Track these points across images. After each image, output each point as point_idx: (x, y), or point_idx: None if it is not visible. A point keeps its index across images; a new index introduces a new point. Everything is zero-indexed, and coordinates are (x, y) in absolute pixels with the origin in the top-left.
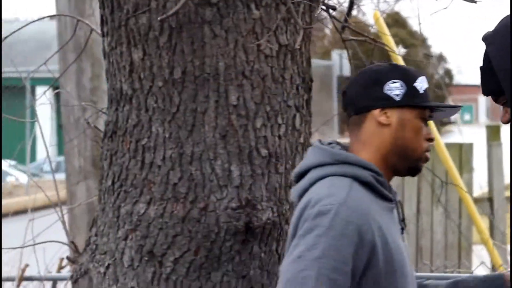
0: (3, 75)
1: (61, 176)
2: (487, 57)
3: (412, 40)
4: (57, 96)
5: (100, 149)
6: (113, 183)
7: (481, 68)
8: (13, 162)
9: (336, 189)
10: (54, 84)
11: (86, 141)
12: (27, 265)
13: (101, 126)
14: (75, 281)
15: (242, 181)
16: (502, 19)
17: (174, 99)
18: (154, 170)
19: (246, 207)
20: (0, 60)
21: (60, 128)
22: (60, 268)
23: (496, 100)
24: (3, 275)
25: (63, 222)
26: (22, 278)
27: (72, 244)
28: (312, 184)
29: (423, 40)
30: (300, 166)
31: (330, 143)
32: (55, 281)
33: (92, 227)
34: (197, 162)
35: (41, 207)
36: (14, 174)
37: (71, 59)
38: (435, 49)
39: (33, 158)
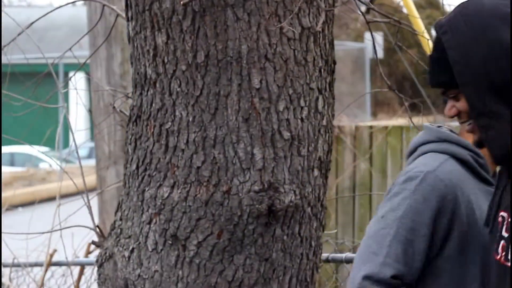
0: (35, 61)
1: (93, 162)
2: (440, 46)
3: None
4: (89, 81)
5: (126, 134)
6: (137, 167)
7: (432, 57)
8: (45, 149)
9: (431, 161)
10: (83, 69)
11: (115, 126)
12: (55, 250)
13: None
14: (100, 265)
15: (264, 164)
16: (457, 6)
17: (197, 83)
18: (178, 154)
19: (268, 190)
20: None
21: (90, 113)
22: (88, 253)
23: (444, 92)
24: (31, 260)
25: (89, 207)
26: (50, 263)
27: (98, 229)
28: (415, 159)
29: None
30: (410, 145)
31: (439, 126)
32: (82, 266)
33: (117, 211)
34: (220, 146)
35: (72, 193)
36: (48, 160)
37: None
38: None
39: (66, 144)
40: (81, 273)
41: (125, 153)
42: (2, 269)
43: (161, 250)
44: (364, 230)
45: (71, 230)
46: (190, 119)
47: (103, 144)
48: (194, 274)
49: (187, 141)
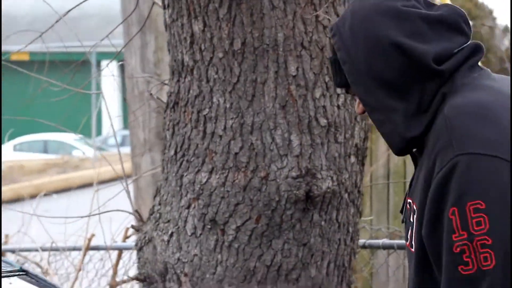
0: (68, 50)
1: (126, 149)
2: (333, 48)
3: (477, 11)
4: (122, 69)
5: (163, 120)
6: (175, 153)
7: (329, 59)
8: (79, 136)
9: None
10: (118, 58)
11: (150, 113)
12: (93, 235)
13: (164, 98)
14: (139, 249)
15: (302, 150)
16: (349, 5)
17: (234, 70)
18: (216, 140)
19: (306, 176)
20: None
21: (124, 101)
22: (126, 237)
23: (347, 91)
24: (70, 244)
25: (128, 192)
26: (89, 248)
27: (137, 213)
28: None
29: (489, 12)
30: None
31: None
32: (120, 250)
33: (155, 196)
34: (257, 132)
35: (108, 180)
36: (80, 148)
37: (134, 33)
38: (500, 21)
39: (98, 132)
40: (119, 257)
41: (162, 139)
42: (41, 252)
43: (200, 234)
44: (398, 218)
45: (110, 215)
46: (228, 106)
47: (138, 131)
48: (233, 258)
49: (225, 128)
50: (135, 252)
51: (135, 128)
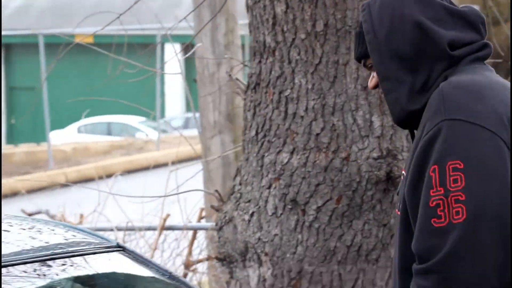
0: (132, 32)
1: (189, 132)
2: (360, 22)
3: None
4: (186, 52)
5: (243, 101)
6: (256, 133)
7: (355, 32)
8: (142, 119)
9: None
10: (183, 40)
11: (221, 96)
12: (168, 215)
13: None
14: (219, 229)
15: (383, 131)
16: None
17: (316, 51)
18: (297, 121)
19: (387, 157)
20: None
21: (194, 81)
22: (200, 218)
23: (364, 64)
24: (145, 224)
25: (206, 172)
26: (164, 227)
27: (217, 193)
28: None
29: None
30: None
31: None
32: (195, 230)
33: (236, 176)
34: (339, 113)
35: (174, 162)
36: (144, 130)
37: (205, 15)
38: None
39: (162, 114)
40: (193, 237)
41: (243, 120)
42: (116, 232)
43: (281, 214)
44: None
45: (184, 196)
46: (310, 87)
47: (208, 113)
48: (313, 238)
49: (306, 108)
50: (207, 232)
51: (206, 111)
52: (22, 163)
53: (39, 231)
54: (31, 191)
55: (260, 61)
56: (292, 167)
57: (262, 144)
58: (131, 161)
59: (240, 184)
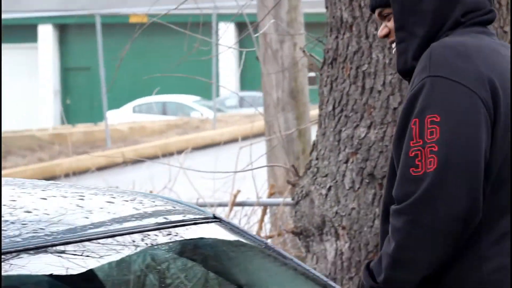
0: (186, 12)
1: (243, 111)
2: None
3: None
4: (240, 30)
5: (320, 77)
6: (333, 108)
7: None
8: (197, 98)
9: None
10: (238, 19)
11: (284, 74)
12: (238, 191)
13: (299, 56)
14: (296, 203)
15: None
16: None
17: None
18: (375, 95)
19: None
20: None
21: (257, 60)
22: (271, 194)
23: (380, 13)
24: (215, 201)
25: (285, 148)
26: (234, 204)
27: (293, 168)
28: None
29: None
30: None
31: None
32: (265, 206)
33: (312, 151)
34: None
35: (228, 140)
36: (199, 109)
37: None
38: None
39: (216, 93)
40: (264, 213)
41: (319, 95)
42: None
43: (358, 188)
44: None
45: (251, 173)
46: (387, 61)
47: (271, 91)
48: None
49: (384, 83)
50: (273, 208)
51: (269, 88)
52: (80, 143)
53: (141, 203)
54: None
55: (337, 37)
56: (370, 141)
57: (339, 119)
58: (187, 140)
59: (317, 158)
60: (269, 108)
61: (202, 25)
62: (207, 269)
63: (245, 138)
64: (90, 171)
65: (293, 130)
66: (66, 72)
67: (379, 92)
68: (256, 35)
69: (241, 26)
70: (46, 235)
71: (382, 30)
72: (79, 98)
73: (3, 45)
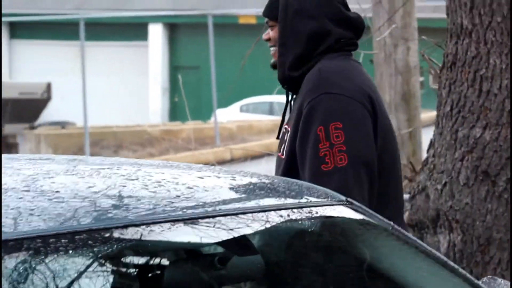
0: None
1: None
2: None
3: None
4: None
5: (438, 79)
6: (451, 109)
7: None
8: None
9: None
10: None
11: (396, 76)
12: None
13: (412, 60)
14: (412, 197)
15: None
16: None
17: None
18: (491, 98)
19: None
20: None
21: (371, 62)
22: None
23: (267, 22)
24: None
25: (399, 146)
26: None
27: (410, 164)
28: None
29: None
30: None
31: None
32: None
33: (429, 149)
34: None
35: None
36: None
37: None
38: None
39: None
40: None
41: (437, 97)
42: None
43: (472, 185)
44: None
45: None
46: (503, 67)
47: (384, 93)
48: (502, 207)
49: (500, 87)
50: None
51: (381, 90)
52: (189, 139)
53: (287, 186)
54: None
55: (456, 42)
56: (485, 141)
57: (456, 119)
58: None
59: (434, 156)
60: None
61: None
62: (340, 245)
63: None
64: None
65: (405, 131)
66: (174, 71)
67: (495, 95)
68: (378, 38)
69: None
70: (217, 204)
71: (265, 35)
72: (187, 96)
73: (114, 43)
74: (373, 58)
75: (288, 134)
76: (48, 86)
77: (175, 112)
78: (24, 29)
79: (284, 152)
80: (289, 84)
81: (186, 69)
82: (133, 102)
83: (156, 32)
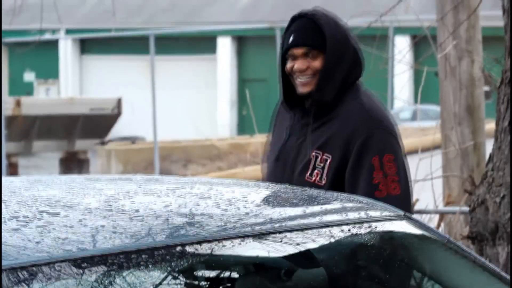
0: (365, 24)
1: (416, 124)
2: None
3: None
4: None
5: (497, 95)
6: (509, 124)
7: (308, 21)
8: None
9: None
10: (411, 32)
11: (461, 89)
12: (417, 199)
13: (476, 73)
14: (472, 210)
15: None
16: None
17: None
18: None
19: None
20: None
21: (436, 75)
22: (448, 203)
23: (307, 51)
24: None
25: (445, 161)
26: (413, 211)
27: (470, 178)
28: None
29: None
30: None
31: None
32: (442, 214)
33: (488, 163)
34: None
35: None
36: None
37: (448, 9)
38: None
39: (391, 106)
40: (441, 220)
41: (496, 112)
42: None
43: None
44: None
45: (426, 183)
46: None
47: (448, 106)
48: None
49: None
50: (447, 217)
51: (446, 103)
52: (257, 153)
53: (347, 202)
54: None
55: None
56: None
57: None
58: None
59: (493, 170)
60: (445, 122)
61: (375, 38)
62: (400, 260)
63: (416, 150)
64: None
65: (469, 144)
66: (242, 83)
67: None
68: (442, 53)
69: (415, 38)
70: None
71: (303, 65)
72: (255, 109)
73: (183, 57)
74: (437, 71)
75: (329, 162)
76: (119, 102)
77: (243, 125)
78: (94, 45)
79: (324, 178)
80: (320, 108)
81: (254, 81)
82: (202, 115)
83: (225, 45)
